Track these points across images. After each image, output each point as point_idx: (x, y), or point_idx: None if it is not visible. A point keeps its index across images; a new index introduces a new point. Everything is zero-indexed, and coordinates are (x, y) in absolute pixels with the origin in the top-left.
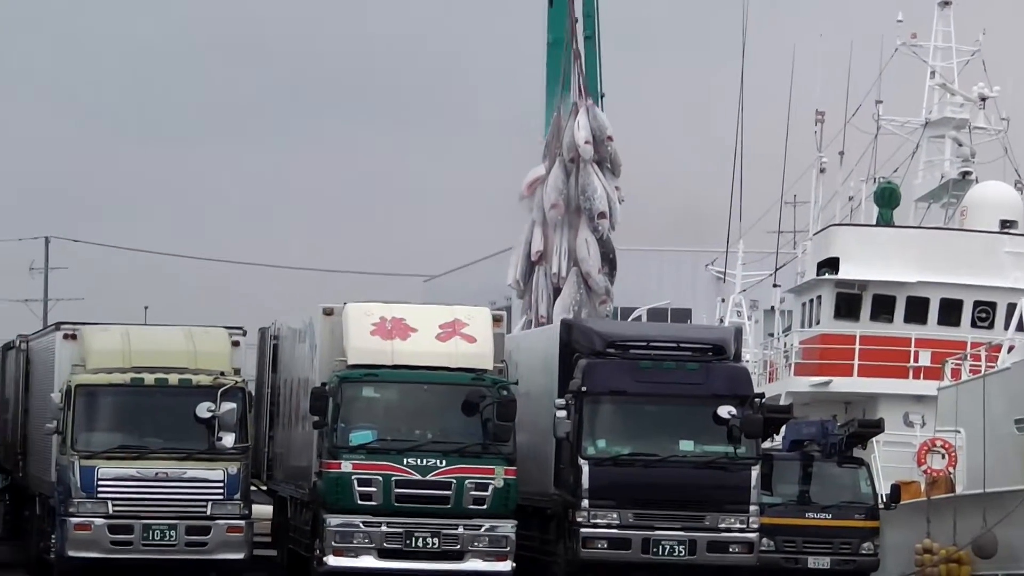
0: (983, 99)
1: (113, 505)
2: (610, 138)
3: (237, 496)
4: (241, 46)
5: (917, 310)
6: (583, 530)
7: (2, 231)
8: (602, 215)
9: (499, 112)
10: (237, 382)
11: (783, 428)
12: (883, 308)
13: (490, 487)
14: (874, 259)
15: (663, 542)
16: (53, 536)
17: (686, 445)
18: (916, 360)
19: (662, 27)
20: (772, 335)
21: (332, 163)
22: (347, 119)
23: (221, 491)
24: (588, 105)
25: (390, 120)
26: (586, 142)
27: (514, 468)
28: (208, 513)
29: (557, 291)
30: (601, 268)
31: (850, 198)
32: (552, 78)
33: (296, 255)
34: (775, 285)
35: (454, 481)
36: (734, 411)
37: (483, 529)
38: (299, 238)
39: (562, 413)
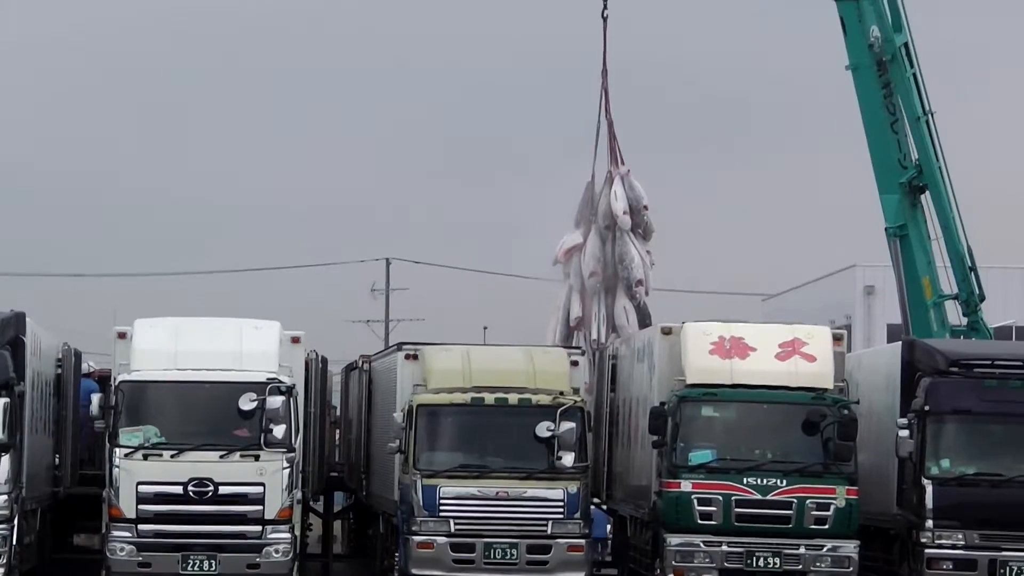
0: None
1: (455, 524)
2: (646, 207)
3: (577, 515)
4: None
5: None
6: (927, 551)
7: (344, 253)
8: (639, 283)
9: (823, 131)
10: (576, 402)
11: None
12: None
13: (832, 507)
14: None
15: (1010, 563)
16: (397, 554)
17: None
18: None
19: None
20: None
21: (666, 179)
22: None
23: (561, 510)
24: (623, 174)
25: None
26: (624, 213)
27: (856, 488)
28: (548, 532)
29: None
30: None
31: None
32: (865, 100)
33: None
34: None
35: (795, 501)
36: None
37: (825, 549)
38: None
39: (904, 432)
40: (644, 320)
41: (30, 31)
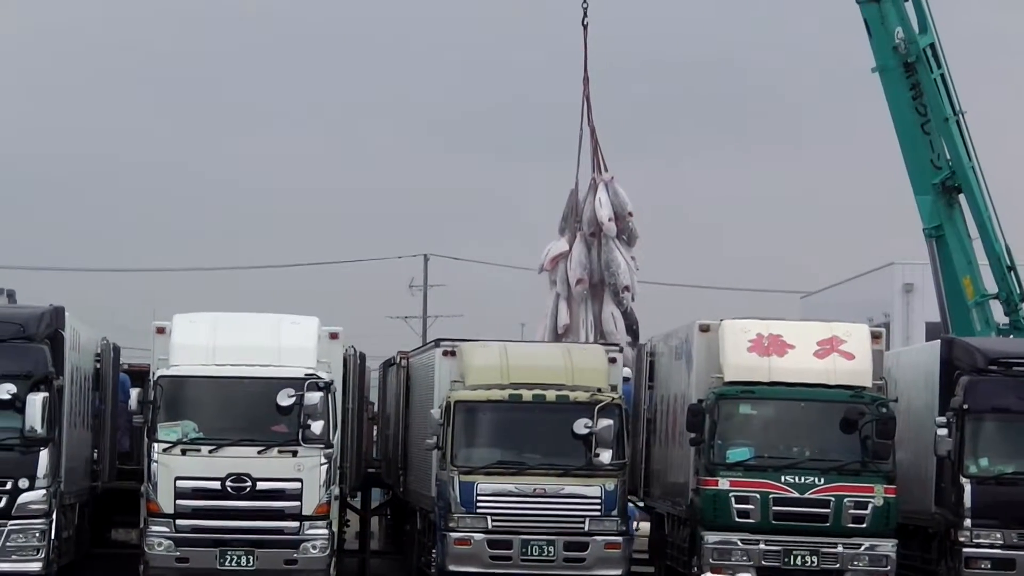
0: None
1: (492, 520)
2: (631, 214)
3: (615, 512)
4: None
5: None
6: (966, 550)
7: (383, 249)
8: (626, 288)
9: (860, 127)
10: (614, 398)
11: None
12: None
13: (869, 505)
14: None
15: None
16: (434, 551)
17: None
18: None
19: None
20: None
21: (706, 177)
22: (740, 133)
23: (599, 507)
24: (607, 180)
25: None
26: (609, 219)
27: (894, 486)
28: (586, 529)
29: None
30: (627, 340)
31: None
32: (894, 101)
33: (670, 272)
34: None
35: (833, 499)
36: None
37: (863, 548)
38: (668, 254)
39: (943, 431)
40: (632, 326)
41: (38, 21)
